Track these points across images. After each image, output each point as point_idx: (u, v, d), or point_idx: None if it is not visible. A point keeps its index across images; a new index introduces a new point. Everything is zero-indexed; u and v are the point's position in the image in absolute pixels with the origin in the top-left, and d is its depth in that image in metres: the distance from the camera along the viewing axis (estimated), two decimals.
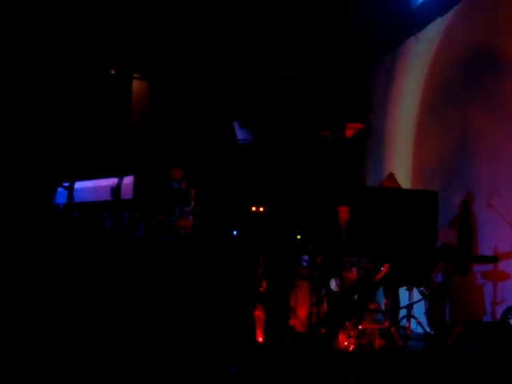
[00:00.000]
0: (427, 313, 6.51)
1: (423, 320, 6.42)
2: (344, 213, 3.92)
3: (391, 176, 6.25)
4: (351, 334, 5.37)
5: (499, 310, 5.47)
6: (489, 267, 5.82)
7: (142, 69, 8.71)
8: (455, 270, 4.29)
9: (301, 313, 5.37)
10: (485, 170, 6.13)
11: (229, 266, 4.06)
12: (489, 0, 6.36)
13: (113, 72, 8.52)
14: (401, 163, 7.80)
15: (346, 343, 5.37)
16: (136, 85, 8.69)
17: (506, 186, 5.75)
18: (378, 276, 4.44)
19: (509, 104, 5.80)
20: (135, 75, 8.69)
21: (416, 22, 7.57)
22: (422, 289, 6.24)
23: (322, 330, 4.29)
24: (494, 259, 4.47)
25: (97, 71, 8.26)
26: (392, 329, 5.71)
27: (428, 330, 6.32)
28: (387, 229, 4.00)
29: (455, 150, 6.73)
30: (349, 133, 4.36)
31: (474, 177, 6.31)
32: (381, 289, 6.27)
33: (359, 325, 5.38)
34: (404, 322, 6.31)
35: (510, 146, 5.73)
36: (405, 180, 6.87)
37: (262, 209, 3.73)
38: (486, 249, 5.81)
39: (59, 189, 4.44)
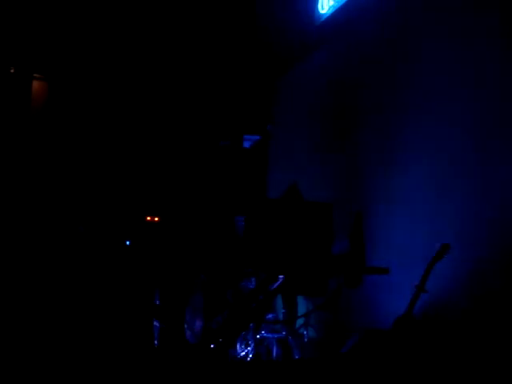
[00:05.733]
0: (323, 321, 6.64)
1: (320, 328, 6.55)
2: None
3: (294, 187, 6.31)
4: (249, 344, 5.40)
5: (390, 319, 5.66)
6: (382, 278, 5.99)
7: (42, 69, 8.44)
8: (346, 282, 4.41)
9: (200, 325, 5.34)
10: (380, 181, 6.32)
11: (122, 275, 3.98)
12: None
13: (12, 71, 8.24)
14: (303, 175, 7.92)
15: (243, 353, 5.39)
16: (36, 85, 8.43)
17: (400, 198, 5.96)
18: (275, 286, 4.49)
19: (403, 118, 5.99)
20: (35, 75, 8.42)
21: (321, 38, 7.73)
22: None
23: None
24: (384, 271, 4.62)
25: None
26: (289, 337, 5.79)
27: (324, 338, 6.46)
28: (283, 240, 4.05)
29: (352, 163, 6.92)
30: (247, 144, 4.38)
31: (369, 189, 6.50)
32: (280, 298, 6.34)
33: (257, 334, 5.42)
34: (302, 330, 6.41)
35: (405, 159, 5.93)
36: (306, 192, 6.98)
37: (157, 219, 3.68)
38: (380, 260, 5.99)
39: None
